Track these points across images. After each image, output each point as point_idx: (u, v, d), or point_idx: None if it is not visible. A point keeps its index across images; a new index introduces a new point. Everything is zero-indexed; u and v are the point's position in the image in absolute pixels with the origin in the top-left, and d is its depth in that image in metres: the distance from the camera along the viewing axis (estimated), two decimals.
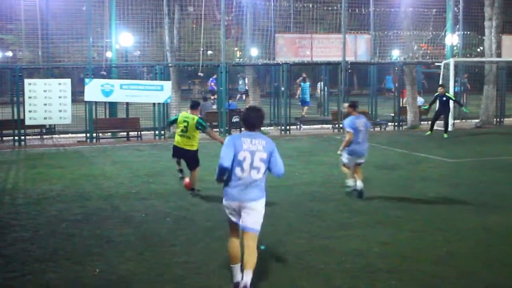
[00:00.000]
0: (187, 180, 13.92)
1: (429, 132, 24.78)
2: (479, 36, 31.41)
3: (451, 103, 24.56)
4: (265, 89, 43.36)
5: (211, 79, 42.66)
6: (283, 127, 26.91)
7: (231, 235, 7.93)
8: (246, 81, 32.24)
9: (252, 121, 7.79)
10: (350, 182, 13.70)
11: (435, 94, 24.77)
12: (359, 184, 13.34)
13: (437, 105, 24.59)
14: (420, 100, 31.27)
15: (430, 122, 25.29)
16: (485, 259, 8.93)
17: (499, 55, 29.17)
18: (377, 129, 28.17)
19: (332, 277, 8.28)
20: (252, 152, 7.63)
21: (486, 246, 9.63)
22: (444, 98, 24.41)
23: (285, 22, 28.46)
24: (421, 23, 29.83)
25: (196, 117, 13.79)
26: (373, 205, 12.60)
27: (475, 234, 10.28)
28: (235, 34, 31.08)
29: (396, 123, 28.85)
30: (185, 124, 13.79)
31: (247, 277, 7.44)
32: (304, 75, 35.75)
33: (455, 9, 29.88)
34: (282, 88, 27.71)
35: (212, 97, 37.90)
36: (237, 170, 7.66)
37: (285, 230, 10.68)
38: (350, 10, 28.35)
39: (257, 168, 7.65)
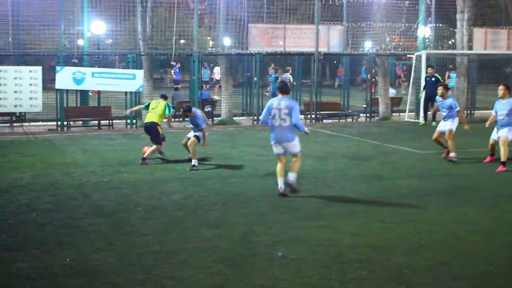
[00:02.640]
0: (146, 148, 16.51)
1: (423, 122, 24.77)
2: (451, 29, 31.57)
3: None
4: (238, 79, 43.32)
5: (173, 69, 42.57)
6: (255, 118, 26.89)
7: (278, 161, 12.74)
8: (217, 70, 32.02)
9: (281, 89, 12.78)
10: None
11: (425, 76, 24.85)
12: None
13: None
14: (392, 91, 31.40)
15: (411, 112, 25.25)
16: (455, 251, 9.01)
17: (470, 47, 29.38)
18: (349, 120, 28.29)
19: (303, 267, 8.31)
20: (279, 109, 12.36)
21: (456, 237, 9.72)
22: (433, 79, 24.54)
23: (259, 12, 28.39)
24: (394, 15, 29.94)
25: (165, 102, 16.95)
26: (344, 196, 12.66)
27: (446, 226, 10.37)
28: (208, 24, 30.95)
29: (368, 114, 28.99)
30: (156, 105, 16.80)
31: (292, 176, 12.56)
32: (272, 65, 35.65)
33: (428, 1, 30.03)
34: (255, 78, 27.68)
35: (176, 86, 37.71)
36: (273, 121, 12.45)
37: (257, 221, 10.68)
38: (323, 1, 28.36)
39: (283, 119, 12.34)
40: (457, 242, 9.44)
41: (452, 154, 16.52)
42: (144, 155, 16.28)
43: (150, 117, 16.71)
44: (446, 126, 16.74)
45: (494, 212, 11.45)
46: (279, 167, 12.66)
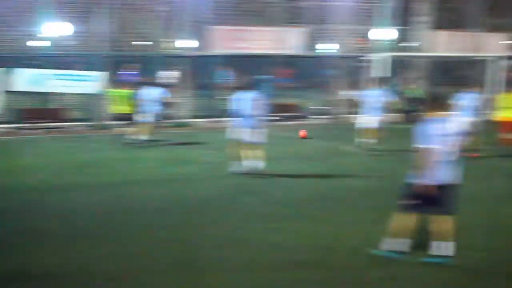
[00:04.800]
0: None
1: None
2: (413, 31, 31.86)
3: None
4: (199, 81, 43.09)
5: (122, 71, 42.16)
6: (217, 119, 26.77)
7: (242, 148, 14.68)
8: (173, 73, 31.71)
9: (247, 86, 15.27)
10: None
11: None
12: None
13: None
14: (353, 94, 31.43)
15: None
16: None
17: (431, 50, 29.67)
18: (306, 122, 28.19)
19: (254, 269, 8.41)
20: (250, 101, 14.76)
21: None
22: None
23: (223, 14, 28.38)
24: (356, 16, 30.12)
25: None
26: (297, 198, 12.77)
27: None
28: (171, 25, 30.85)
29: (324, 116, 28.95)
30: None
31: (252, 163, 14.69)
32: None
33: (390, 3, 30.25)
34: (218, 80, 27.63)
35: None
36: (244, 111, 14.63)
37: (208, 222, 10.76)
38: (287, 3, 28.45)
39: (254, 109, 14.61)
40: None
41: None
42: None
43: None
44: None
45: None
46: (241, 150, 14.63)
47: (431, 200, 8.59)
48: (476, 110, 18.42)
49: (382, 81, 19.77)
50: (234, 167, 14.93)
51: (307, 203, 12.36)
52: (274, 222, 10.83)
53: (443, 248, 8.64)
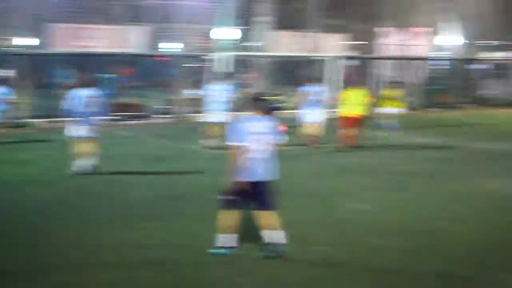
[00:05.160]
0: None
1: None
2: (254, 31, 32.46)
3: None
4: (40, 80, 41.85)
5: None
6: (57, 119, 26.10)
7: (79, 143, 14.66)
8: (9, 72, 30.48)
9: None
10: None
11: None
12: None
13: None
14: (194, 92, 31.56)
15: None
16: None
17: (271, 50, 30.36)
18: (149, 121, 28.06)
19: (90, 271, 8.39)
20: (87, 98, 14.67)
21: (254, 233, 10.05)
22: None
23: (64, 12, 27.72)
24: (198, 16, 30.31)
25: None
26: (142, 198, 12.72)
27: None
28: (8, 22, 29.77)
29: (167, 115, 28.95)
30: None
31: (85, 162, 14.79)
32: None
33: (231, 3, 30.65)
34: (59, 79, 26.99)
35: None
36: (80, 108, 14.64)
37: (50, 225, 10.58)
38: (129, 2, 28.21)
39: (89, 106, 14.66)
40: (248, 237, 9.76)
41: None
42: None
43: None
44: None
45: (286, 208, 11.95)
46: (79, 149, 14.59)
47: (248, 196, 8.84)
48: (322, 104, 19.58)
49: (225, 77, 20.03)
50: (75, 166, 14.70)
51: (153, 203, 12.30)
52: (121, 222, 10.77)
53: (275, 237, 8.90)
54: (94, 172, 14.83)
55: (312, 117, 19.23)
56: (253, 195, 8.86)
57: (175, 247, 9.42)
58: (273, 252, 8.87)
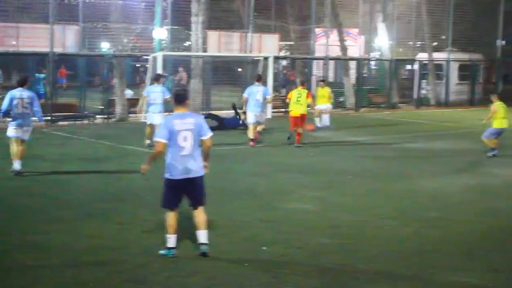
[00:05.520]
0: None
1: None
2: (187, 31, 32.33)
3: None
4: None
5: None
6: None
7: (15, 144, 14.18)
8: None
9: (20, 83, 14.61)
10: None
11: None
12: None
13: None
14: (129, 93, 31.30)
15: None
16: (192, 247, 9.27)
17: (205, 50, 30.31)
18: (86, 122, 27.67)
19: (40, 274, 8.22)
20: (22, 99, 14.29)
21: (190, 234, 9.94)
22: None
23: None
24: (131, 15, 30.00)
25: None
26: (81, 199, 12.56)
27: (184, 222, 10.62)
28: None
29: (105, 116, 28.56)
30: None
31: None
32: None
33: (164, 3, 30.47)
34: None
35: None
36: (16, 110, 14.17)
37: None
38: (58, 0, 27.65)
39: (25, 107, 14.37)
40: (187, 237, 9.66)
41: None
42: None
43: None
44: None
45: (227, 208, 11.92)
46: (15, 149, 14.25)
47: (180, 194, 8.90)
48: (263, 103, 20.00)
49: (158, 78, 19.84)
50: (14, 166, 14.39)
51: (94, 203, 12.18)
52: (64, 223, 10.64)
53: (201, 237, 8.93)
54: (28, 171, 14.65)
55: (256, 117, 19.57)
56: (184, 192, 8.90)
57: (120, 248, 9.33)
58: (201, 251, 8.88)
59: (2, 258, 8.77)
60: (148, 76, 28.32)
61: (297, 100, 19.69)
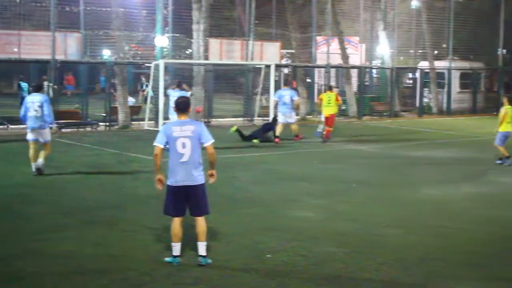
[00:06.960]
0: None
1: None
2: (188, 39, 32.30)
3: None
4: None
5: None
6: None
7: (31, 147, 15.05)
8: None
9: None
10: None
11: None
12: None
13: None
14: (131, 100, 31.32)
15: (150, 120, 25.29)
16: (194, 255, 9.21)
17: (206, 57, 30.29)
18: (88, 129, 27.68)
19: (43, 280, 8.16)
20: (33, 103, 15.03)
21: (193, 243, 9.92)
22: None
23: None
24: (132, 23, 30.02)
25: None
26: (85, 206, 12.53)
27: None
28: None
29: (107, 123, 28.54)
30: None
31: (41, 160, 15.19)
32: None
33: (165, 11, 30.47)
34: None
35: None
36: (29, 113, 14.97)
37: None
38: (59, 8, 27.66)
39: (36, 111, 15.14)
40: (193, 245, 9.61)
41: None
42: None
43: None
44: None
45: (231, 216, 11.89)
46: (31, 152, 15.03)
47: (182, 202, 8.85)
48: (292, 104, 22.66)
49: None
50: (33, 167, 15.20)
51: (98, 210, 12.15)
52: (69, 230, 10.63)
53: (200, 248, 8.90)
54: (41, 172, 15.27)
55: (284, 117, 22.48)
56: (185, 200, 8.85)
57: (124, 255, 9.29)
58: (198, 264, 8.83)
59: (6, 265, 8.73)
60: (151, 84, 28.34)
61: (328, 102, 22.83)
